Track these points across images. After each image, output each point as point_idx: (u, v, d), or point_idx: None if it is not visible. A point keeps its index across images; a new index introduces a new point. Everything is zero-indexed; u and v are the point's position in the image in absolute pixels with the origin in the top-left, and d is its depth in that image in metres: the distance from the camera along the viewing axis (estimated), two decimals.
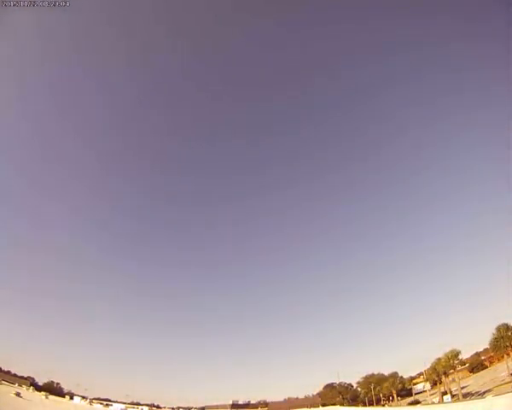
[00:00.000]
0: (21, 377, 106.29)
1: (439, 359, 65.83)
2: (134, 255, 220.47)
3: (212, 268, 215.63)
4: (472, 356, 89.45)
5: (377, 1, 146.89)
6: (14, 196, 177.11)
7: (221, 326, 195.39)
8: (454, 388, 62.27)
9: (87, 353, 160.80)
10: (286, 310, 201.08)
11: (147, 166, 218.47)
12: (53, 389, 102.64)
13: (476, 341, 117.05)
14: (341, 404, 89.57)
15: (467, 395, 55.77)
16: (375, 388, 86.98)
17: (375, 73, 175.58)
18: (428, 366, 70.89)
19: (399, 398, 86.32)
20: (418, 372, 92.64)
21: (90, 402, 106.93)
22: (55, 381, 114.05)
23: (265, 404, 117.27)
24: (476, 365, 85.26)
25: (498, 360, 73.88)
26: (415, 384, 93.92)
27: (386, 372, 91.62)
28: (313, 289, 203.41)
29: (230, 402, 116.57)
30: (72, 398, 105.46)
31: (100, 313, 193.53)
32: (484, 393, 47.85)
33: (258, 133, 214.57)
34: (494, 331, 58.84)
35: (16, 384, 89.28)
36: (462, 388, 61.69)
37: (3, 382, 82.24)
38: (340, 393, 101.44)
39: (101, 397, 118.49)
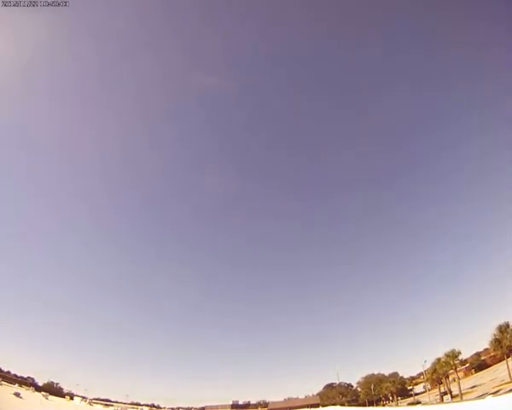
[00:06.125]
0: (21, 378, 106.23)
1: (438, 359, 65.92)
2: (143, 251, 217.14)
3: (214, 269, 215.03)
4: (472, 356, 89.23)
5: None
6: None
7: (221, 327, 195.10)
8: (454, 388, 62.18)
9: (87, 353, 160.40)
10: (285, 310, 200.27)
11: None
12: (53, 390, 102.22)
13: (476, 341, 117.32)
14: (341, 404, 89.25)
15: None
16: (375, 388, 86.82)
17: None
18: (428, 366, 70.89)
19: (399, 398, 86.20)
20: (418, 372, 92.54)
21: (90, 403, 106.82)
22: (55, 381, 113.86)
23: (265, 404, 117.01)
24: (478, 364, 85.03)
25: (500, 360, 73.68)
26: (415, 384, 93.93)
27: (387, 372, 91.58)
28: (313, 288, 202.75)
29: (230, 402, 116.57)
30: (72, 398, 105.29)
31: (99, 312, 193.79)
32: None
33: None
34: (495, 331, 58.99)
35: (16, 385, 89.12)
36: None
37: (3, 382, 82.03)
38: (339, 393, 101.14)
39: (101, 397, 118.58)
